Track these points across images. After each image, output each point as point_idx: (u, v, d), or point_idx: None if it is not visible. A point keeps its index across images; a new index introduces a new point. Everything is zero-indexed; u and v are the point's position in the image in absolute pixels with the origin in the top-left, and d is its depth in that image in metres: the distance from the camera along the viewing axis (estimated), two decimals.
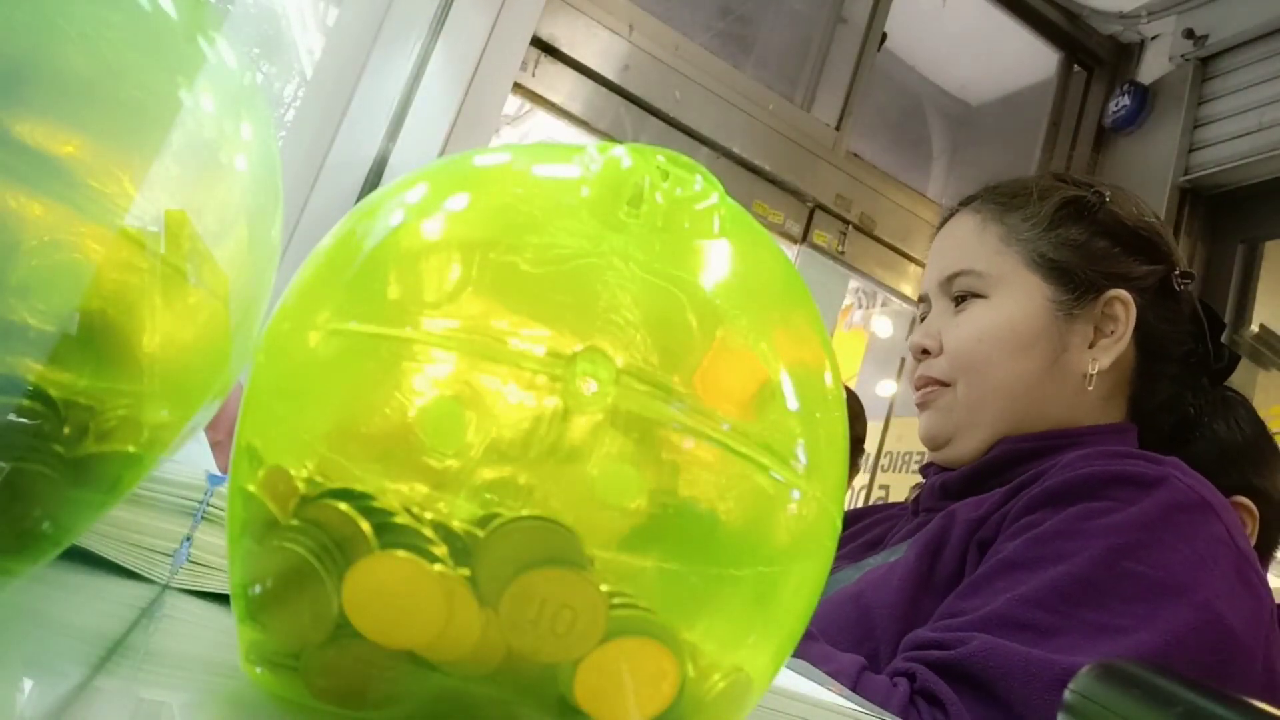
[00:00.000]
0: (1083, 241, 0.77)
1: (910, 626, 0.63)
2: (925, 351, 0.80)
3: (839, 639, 0.64)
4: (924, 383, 0.80)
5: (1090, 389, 0.75)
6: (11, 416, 0.23)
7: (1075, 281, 0.76)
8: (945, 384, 0.78)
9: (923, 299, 0.85)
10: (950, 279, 0.80)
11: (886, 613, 0.64)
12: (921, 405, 0.80)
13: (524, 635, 0.23)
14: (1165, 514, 0.60)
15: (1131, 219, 0.79)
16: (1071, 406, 0.76)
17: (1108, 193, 0.80)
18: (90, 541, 0.33)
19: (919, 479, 0.87)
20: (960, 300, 0.79)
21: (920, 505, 0.81)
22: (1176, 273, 0.79)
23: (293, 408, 0.26)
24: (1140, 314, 0.76)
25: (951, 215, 0.86)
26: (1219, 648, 0.56)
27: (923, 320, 0.85)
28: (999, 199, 0.81)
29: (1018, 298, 0.76)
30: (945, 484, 0.78)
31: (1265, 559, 1.02)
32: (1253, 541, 0.86)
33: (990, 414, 0.76)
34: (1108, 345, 0.76)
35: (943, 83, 2.61)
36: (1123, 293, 0.76)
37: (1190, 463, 0.68)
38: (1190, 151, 2.26)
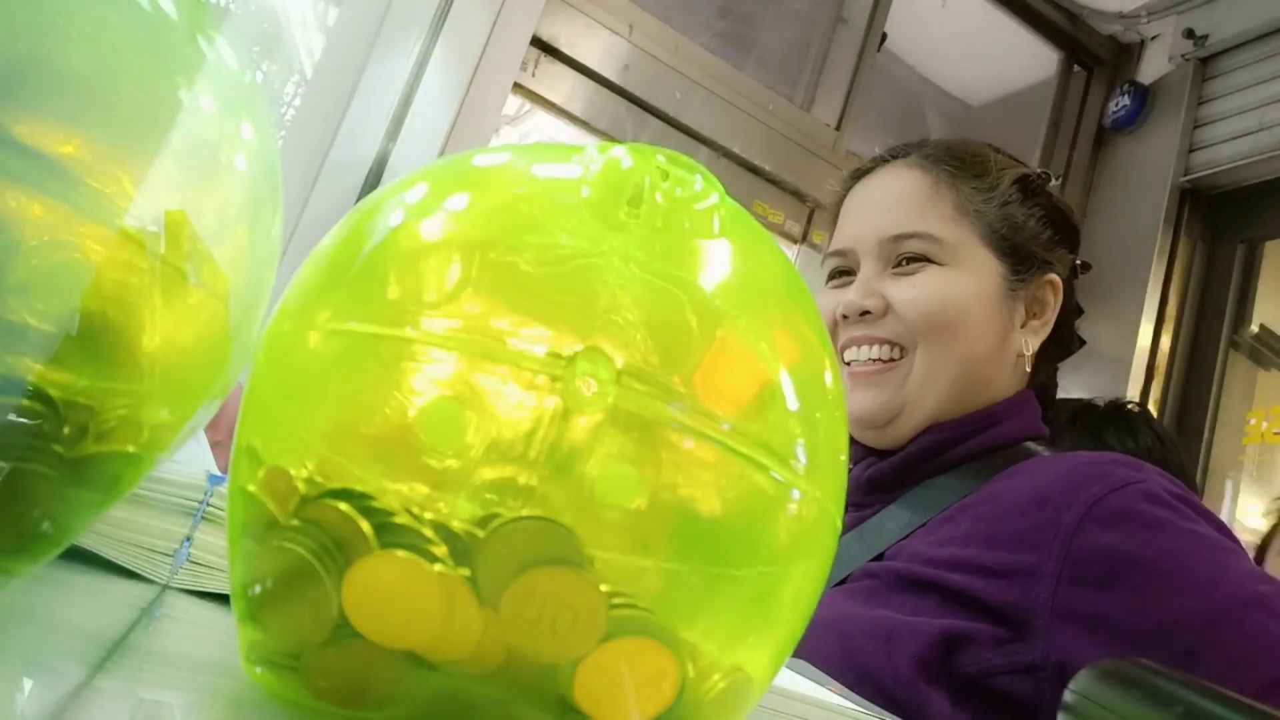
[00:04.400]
0: (1026, 222, 0.77)
1: (893, 637, 0.62)
2: (866, 313, 0.75)
3: (817, 663, 0.63)
4: (865, 341, 0.75)
5: (1028, 370, 0.76)
6: (11, 416, 0.23)
7: (1021, 261, 0.76)
8: (895, 346, 0.74)
9: (840, 254, 0.80)
10: (897, 239, 0.75)
11: (867, 644, 0.63)
12: (867, 377, 0.75)
13: (524, 635, 0.23)
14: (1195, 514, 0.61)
15: (1063, 204, 0.80)
16: (1004, 386, 0.76)
17: (1051, 175, 0.80)
18: (90, 541, 0.33)
19: None
20: (908, 262, 0.75)
21: (849, 497, 0.76)
22: (1079, 262, 0.81)
23: (293, 408, 0.26)
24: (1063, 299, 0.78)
25: (881, 165, 0.81)
26: None
27: (836, 276, 0.80)
28: (951, 162, 0.78)
29: (976, 272, 0.75)
30: (874, 478, 0.76)
31: None
32: None
33: (942, 387, 0.73)
34: (1037, 328, 0.76)
35: (943, 83, 2.61)
36: (1055, 277, 0.77)
37: None
38: (1190, 152, 2.26)
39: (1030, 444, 0.74)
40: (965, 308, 0.73)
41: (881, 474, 0.76)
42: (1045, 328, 0.77)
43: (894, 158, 0.81)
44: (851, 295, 0.76)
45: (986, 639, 0.61)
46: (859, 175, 0.83)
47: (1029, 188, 0.78)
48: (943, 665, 0.60)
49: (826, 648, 0.62)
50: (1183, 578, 0.58)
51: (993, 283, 0.75)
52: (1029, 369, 0.77)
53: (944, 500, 0.71)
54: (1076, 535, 0.60)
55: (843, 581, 0.70)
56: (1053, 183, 0.80)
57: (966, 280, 0.74)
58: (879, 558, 0.70)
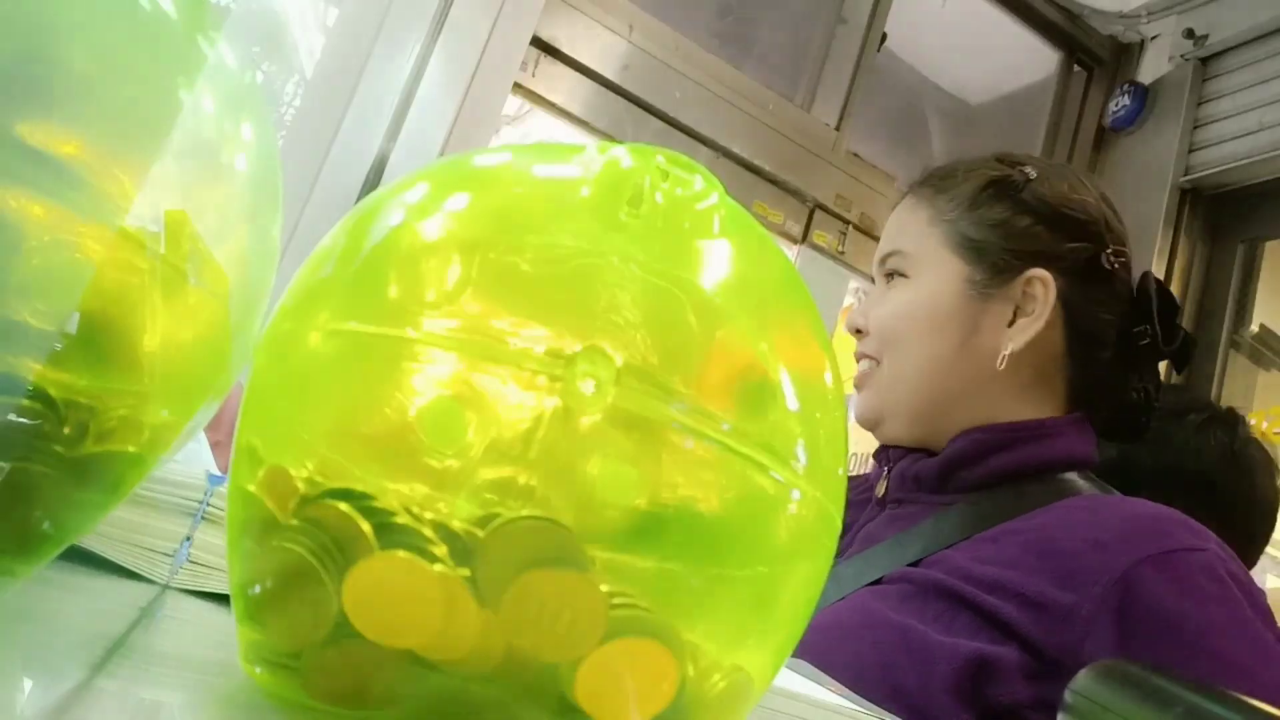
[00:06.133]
0: (1003, 221, 0.77)
1: (929, 657, 0.62)
2: (859, 331, 0.82)
3: (852, 668, 0.62)
4: (859, 356, 0.82)
5: (1001, 368, 0.74)
6: (11, 416, 0.23)
7: (991, 261, 0.76)
8: (874, 360, 0.80)
9: (874, 281, 0.87)
10: (883, 259, 0.82)
11: (903, 659, 0.63)
12: (857, 385, 0.82)
13: (524, 635, 0.23)
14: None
15: (1057, 197, 0.77)
16: (991, 388, 0.75)
17: (1034, 171, 0.79)
18: (90, 541, 0.33)
19: None
20: (889, 279, 0.81)
21: (889, 495, 0.79)
22: (1108, 250, 0.77)
23: (293, 408, 0.26)
24: (1065, 294, 0.75)
25: (901, 200, 0.88)
26: None
27: None
28: (933, 181, 0.83)
29: (935, 276, 0.78)
30: (919, 475, 0.77)
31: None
32: None
33: (907, 391, 0.77)
34: (1024, 325, 0.75)
35: (943, 83, 2.61)
36: (1041, 272, 0.75)
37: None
38: (1190, 151, 2.26)
39: (1074, 475, 0.73)
40: (915, 315, 0.77)
41: (925, 472, 0.76)
42: (1034, 324, 0.75)
43: (907, 191, 0.86)
44: (852, 314, 0.83)
45: (1018, 669, 0.61)
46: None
47: (1004, 188, 0.78)
48: (974, 691, 0.60)
49: (862, 656, 0.62)
50: (1222, 658, 0.58)
51: (952, 285, 0.77)
52: (1004, 364, 0.75)
53: (988, 519, 0.71)
54: (1125, 586, 0.60)
55: (876, 583, 0.70)
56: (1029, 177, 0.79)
57: (923, 288, 0.78)
58: (915, 564, 0.70)
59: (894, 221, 0.84)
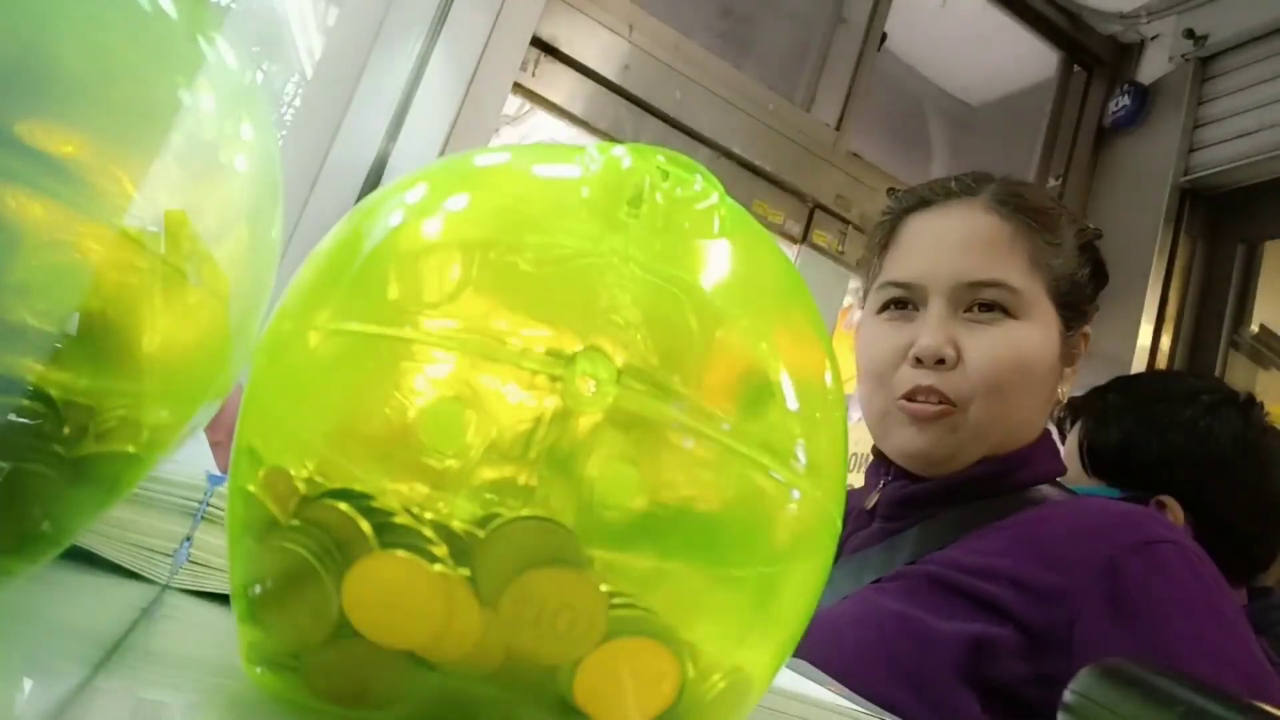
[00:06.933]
0: (1080, 275, 0.80)
1: (929, 641, 0.65)
2: (941, 361, 0.73)
3: (857, 659, 0.65)
4: (929, 394, 0.73)
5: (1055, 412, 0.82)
6: (11, 416, 0.23)
7: (1075, 315, 0.79)
8: (952, 401, 0.73)
9: (904, 286, 0.77)
10: (975, 285, 0.74)
11: (906, 644, 0.66)
12: (924, 419, 0.74)
13: (524, 635, 0.23)
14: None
15: (1102, 256, 0.83)
16: (1039, 429, 0.81)
17: (1101, 232, 0.84)
18: (90, 541, 0.33)
19: None
20: (980, 309, 0.74)
21: (878, 512, 0.79)
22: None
23: (293, 408, 0.26)
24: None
25: (948, 199, 0.79)
26: None
27: (891, 307, 0.78)
28: (1028, 213, 0.77)
29: (1045, 328, 0.75)
30: (911, 497, 0.78)
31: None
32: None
33: (995, 438, 0.75)
34: (1069, 375, 0.81)
35: (943, 83, 2.61)
36: (1088, 328, 0.81)
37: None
38: (1190, 152, 2.26)
39: (1046, 486, 0.78)
40: (1031, 365, 0.74)
41: (916, 496, 0.78)
42: (1075, 374, 0.81)
43: (961, 193, 0.79)
44: (928, 339, 0.73)
45: (1014, 648, 0.64)
46: (920, 204, 0.81)
47: (1086, 243, 0.81)
48: (974, 671, 0.64)
49: (867, 645, 0.66)
50: (1203, 638, 0.63)
51: (1054, 338, 0.77)
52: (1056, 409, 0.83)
53: (973, 523, 0.74)
54: (1112, 572, 0.65)
55: (875, 582, 0.74)
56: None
57: (1036, 336, 0.75)
58: (910, 563, 0.73)
59: (978, 241, 0.76)
